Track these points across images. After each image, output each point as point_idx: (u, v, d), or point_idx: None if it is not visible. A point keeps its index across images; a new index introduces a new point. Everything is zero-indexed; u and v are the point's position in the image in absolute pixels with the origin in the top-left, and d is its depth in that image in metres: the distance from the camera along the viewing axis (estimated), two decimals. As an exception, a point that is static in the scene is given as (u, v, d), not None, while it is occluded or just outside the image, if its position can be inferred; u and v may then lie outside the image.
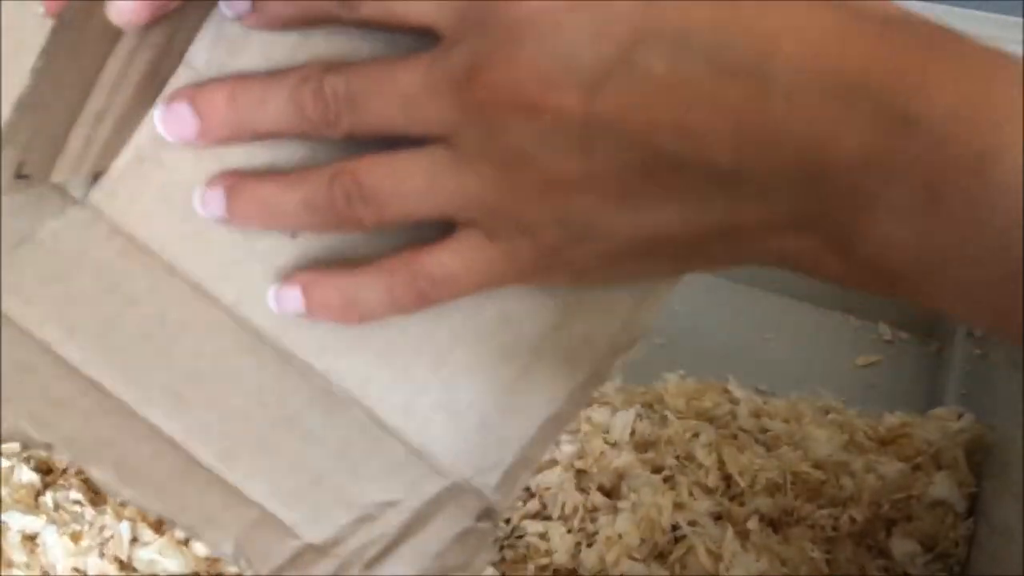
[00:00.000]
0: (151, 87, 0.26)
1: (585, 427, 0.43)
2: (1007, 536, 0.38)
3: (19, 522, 0.38)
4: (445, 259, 0.26)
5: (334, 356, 0.28)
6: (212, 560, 0.39)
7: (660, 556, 0.39)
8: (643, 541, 0.39)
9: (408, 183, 0.25)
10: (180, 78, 0.27)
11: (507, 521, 0.41)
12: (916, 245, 0.22)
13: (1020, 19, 0.49)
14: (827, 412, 0.48)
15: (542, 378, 0.28)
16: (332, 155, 0.26)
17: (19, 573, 0.37)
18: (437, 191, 0.25)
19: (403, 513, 0.28)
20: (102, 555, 0.38)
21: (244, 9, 0.26)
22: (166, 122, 0.26)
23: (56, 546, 0.38)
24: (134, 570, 0.38)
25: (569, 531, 0.40)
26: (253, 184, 0.26)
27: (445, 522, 0.28)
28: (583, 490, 0.42)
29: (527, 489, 0.42)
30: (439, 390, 0.28)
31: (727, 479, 0.43)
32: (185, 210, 0.27)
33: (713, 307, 0.65)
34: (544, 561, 0.39)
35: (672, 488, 0.41)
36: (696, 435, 0.45)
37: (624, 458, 0.42)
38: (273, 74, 0.26)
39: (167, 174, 0.27)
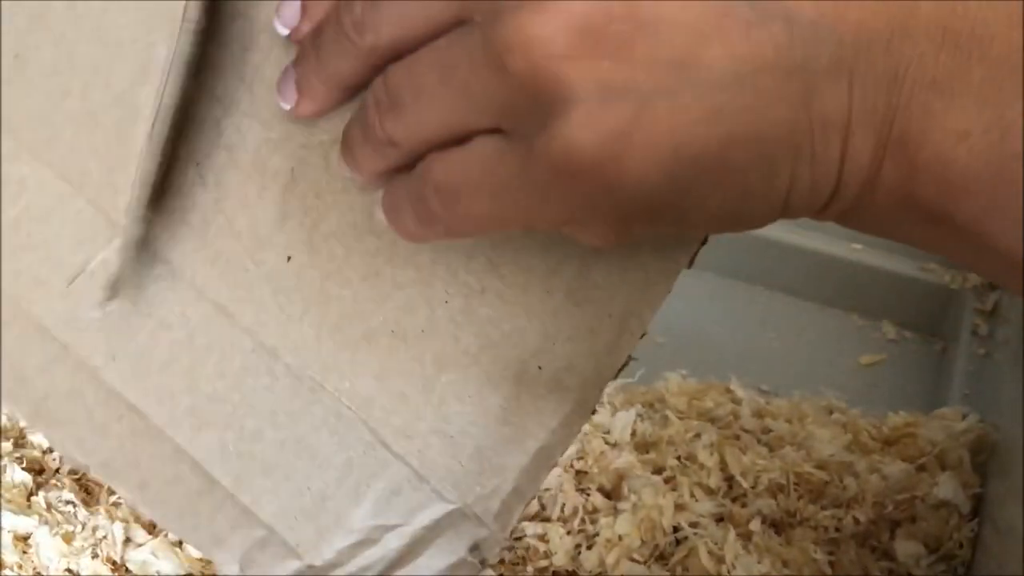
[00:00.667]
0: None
1: (585, 427, 0.43)
2: (1012, 537, 0.37)
3: (11, 522, 0.38)
4: (456, 161, 0.24)
5: (339, 377, 0.29)
6: (206, 561, 0.38)
7: (661, 558, 0.39)
8: (644, 543, 0.39)
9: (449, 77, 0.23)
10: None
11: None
12: (991, 142, 0.21)
13: None
14: (830, 412, 0.48)
15: (529, 408, 0.28)
16: None
17: (11, 574, 0.37)
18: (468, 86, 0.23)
19: (403, 538, 0.28)
20: (95, 556, 0.38)
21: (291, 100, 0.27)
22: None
23: (49, 547, 0.37)
24: (127, 571, 0.38)
25: (569, 532, 0.40)
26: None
27: (440, 550, 0.29)
28: (583, 491, 0.41)
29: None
30: (433, 415, 0.29)
31: (729, 480, 0.43)
32: (205, 233, 0.28)
33: (715, 306, 0.65)
34: (543, 563, 0.39)
35: (673, 489, 0.41)
36: (698, 435, 0.44)
37: (625, 459, 0.42)
38: None
39: (183, 200, 0.28)
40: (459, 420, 0.28)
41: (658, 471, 0.42)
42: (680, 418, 0.46)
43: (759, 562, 0.38)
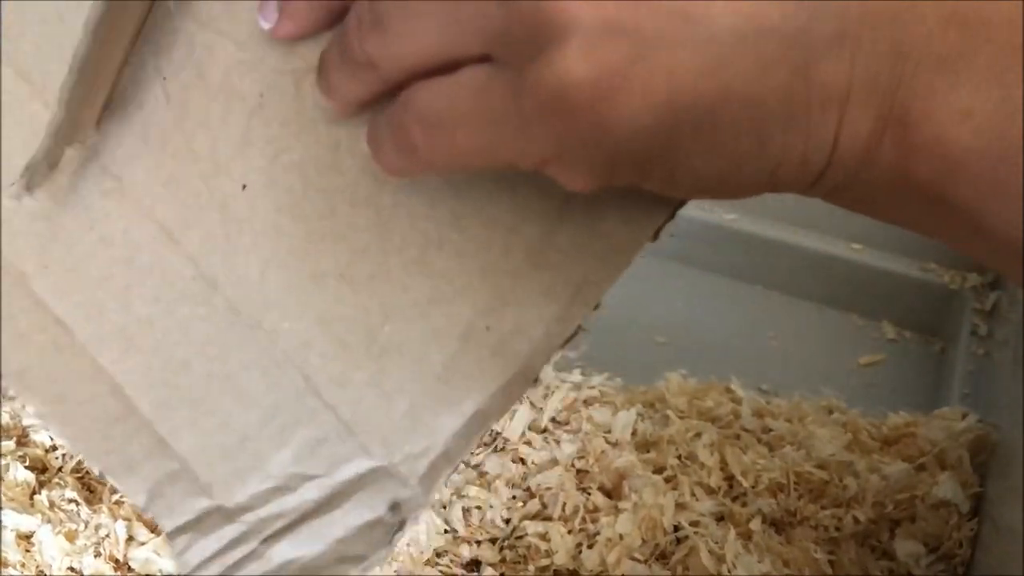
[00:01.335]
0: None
1: (586, 427, 0.43)
2: (1011, 536, 0.37)
3: (14, 521, 0.38)
4: (442, 89, 0.23)
5: (280, 315, 0.27)
6: (209, 560, 0.38)
7: (662, 557, 0.39)
8: (644, 542, 0.39)
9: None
10: None
11: (507, 521, 0.40)
12: (995, 123, 0.21)
13: None
14: (830, 412, 0.48)
15: (471, 368, 0.27)
16: None
17: (14, 572, 0.37)
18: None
19: (321, 490, 0.27)
20: (98, 554, 0.38)
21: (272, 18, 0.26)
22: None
23: (51, 545, 0.37)
24: (130, 569, 0.38)
25: (570, 531, 0.40)
26: None
27: (358, 506, 0.28)
28: (584, 490, 0.41)
29: (527, 489, 0.41)
30: (371, 367, 0.27)
31: (729, 479, 0.43)
32: (162, 152, 0.27)
33: (715, 306, 0.65)
34: (545, 562, 0.39)
35: (674, 488, 0.41)
36: (698, 435, 0.44)
37: (625, 458, 0.42)
38: None
39: (145, 115, 0.27)
40: (398, 375, 0.27)
41: (659, 470, 0.42)
42: (680, 418, 0.46)
43: (759, 561, 0.38)
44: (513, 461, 0.42)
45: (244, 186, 0.27)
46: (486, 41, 0.22)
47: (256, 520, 0.27)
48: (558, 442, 0.42)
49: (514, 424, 0.42)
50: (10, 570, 0.37)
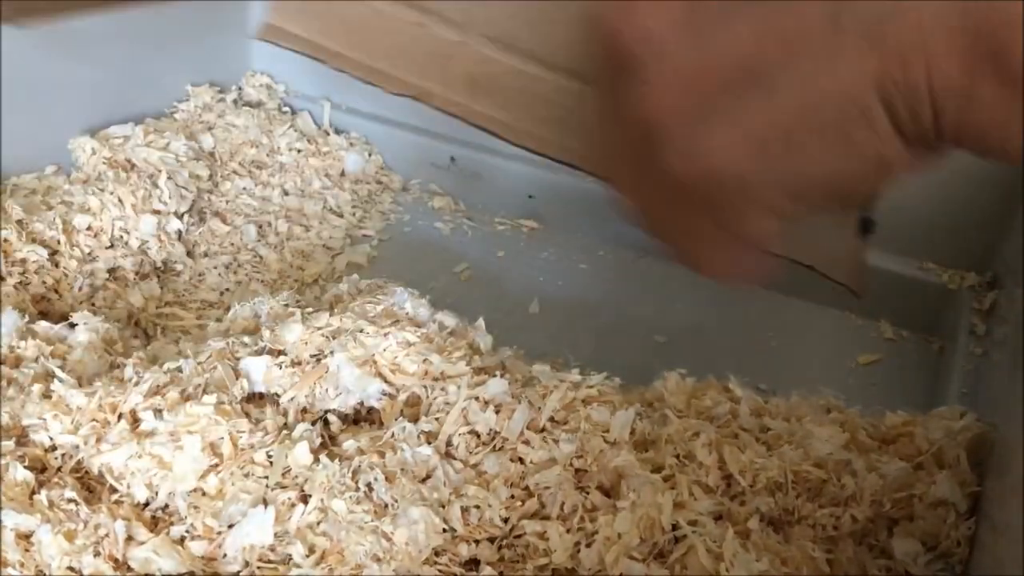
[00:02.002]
0: None
1: (584, 426, 0.43)
2: (1009, 536, 0.37)
3: (13, 521, 0.38)
4: None
5: None
6: (207, 559, 0.38)
7: (660, 556, 0.39)
8: (643, 541, 0.39)
9: None
10: None
11: (505, 520, 0.40)
12: None
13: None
14: (828, 411, 0.48)
15: None
16: None
17: (13, 572, 0.37)
18: None
19: None
20: (97, 554, 0.38)
21: None
22: None
23: (51, 545, 0.37)
24: (129, 569, 0.38)
25: (568, 531, 0.40)
26: None
27: None
28: (582, 489, 0.41)
29: (526, 488, 0.41)
30: None
31: (728, 478, 0.43)
32: None
33: (713, 305, 0.65)
34: (543, 561, 0.39)
35: (672, 487, 0.41)
36: (696, 434, 0.44)
37: (624, 457, 0.42)
38: None
39: None
40: None
41: (657, 469, 0.42)
42: (679, 417, 0.46)
43: (757, 560, 0.38)
44: (511, 460, 0.42)
45: None
46: None
47: None
48: (556, 441, 0.42)
49: (512, 423, 0.42)
50: (9, 570, 0.37)
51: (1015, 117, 0.25)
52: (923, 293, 0.63)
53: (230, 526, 0.39)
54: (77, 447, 0.42)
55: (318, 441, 0.43)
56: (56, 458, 0.42)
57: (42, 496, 0.39)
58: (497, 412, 0.43)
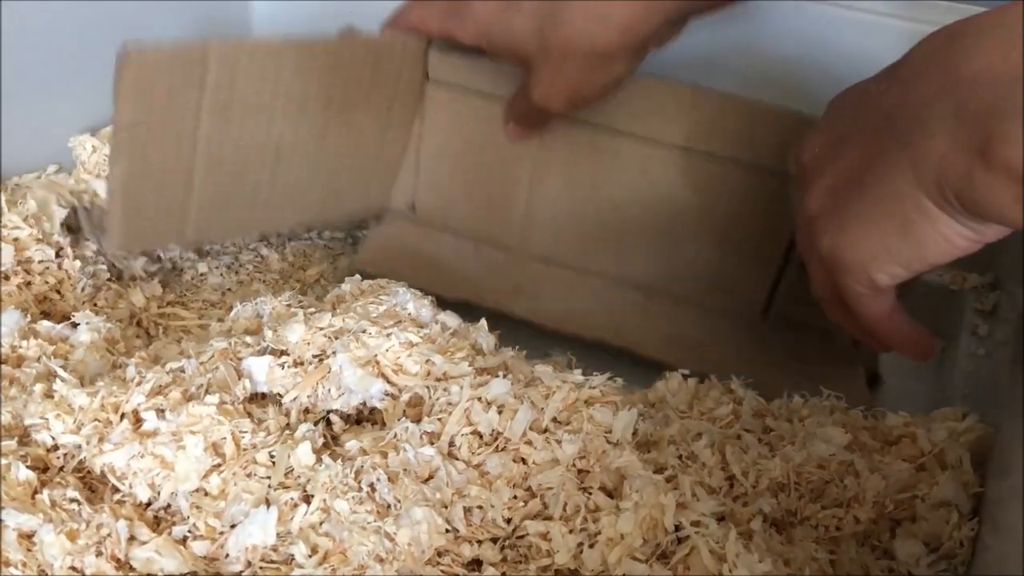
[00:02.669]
0: None
1: (587, 426, 0.43)
2: (1012, 537, 0.37)
3: (15, 520, 0.38)
4: None
5: None
6: (210, 559, 0.38)
7: (663, 557, 0.39)
8: (645, 541, 0.39)
9: None
10: None
11: (508, 521, 0.40)
12: None
13: None
14: (831, 412, 0.48)
15: None
16: None
17: (16, 572, 0.37)
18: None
19: None
20: (99, 554, 0.38)
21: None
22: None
23: (53, 545, 0.37)
24: (131, 569, 0.38)
25: (571, 531, 0.40)
26: None
27: None
28: (585, 490, 0.41)
29: (528, 489, 0.41)
30: None
31: (730, 479, 0.43)
32: None
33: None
34: (546, 561, 0.39)
35: (675, 488, 0.41)
36: (699, 435, 0.44)
37: (626, 458, 0.42)
38: None
39: None
40: None
41: (660, 470, 0.42)
42: (681, 418, 0.46)
43: (760, 561, 0.38)
44: (514, 461, 0.42)
45: None
46: None
47: None
48: (559, 442, 0.42)
49: (515, 424, 0.42)
50: (12, 569, 0.37)
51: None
52: (925, 294, 0.63)
53: (232, 526, 0.39)
54: (79, 447, 0.42)
55: (320, 441, 0.42)
56: (58, 458, 0.42)
57: (44, 496, 0.39)
58: (500, 413, 0.43)
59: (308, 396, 0.44)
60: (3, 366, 0.47)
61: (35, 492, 0.40)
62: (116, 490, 0.41)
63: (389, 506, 0.39)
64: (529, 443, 0.42)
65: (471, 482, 0.41)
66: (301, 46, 0.53)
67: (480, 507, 0.40)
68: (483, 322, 0.50)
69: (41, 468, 0.41)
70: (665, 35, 0.54)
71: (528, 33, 0.52)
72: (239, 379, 0.44)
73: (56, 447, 0.42)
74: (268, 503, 0.39)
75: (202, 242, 0.47)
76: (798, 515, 0.42)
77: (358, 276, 0.54)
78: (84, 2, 0.69)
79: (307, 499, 0.40)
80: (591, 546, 0.39)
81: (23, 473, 0.40)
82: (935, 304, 0.63)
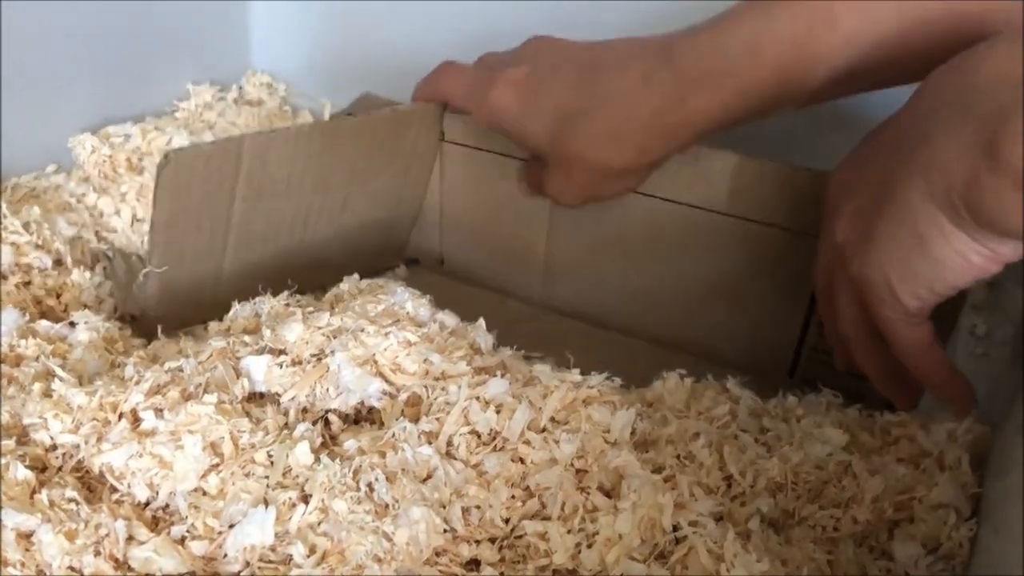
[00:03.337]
0: None
1: (585, 426, 0.43)
2: (1010, 537, 0.37)
3: (14, 520, 0.38)
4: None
5: None
6: (208, 559, 0.38)
7: (661, 556, 0.39)
8: (643, 541, 0.39)
9: None
10: None
11: (506, 521, 0.40)
12: None
13: None
14: (827, 410, 0.48)
15: None
16: None
17: (14, 572, 0.37)
18: None
19: None
20: (98, 553, 0.38)
21: None
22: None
23: (51, 544, 0.37)
24: (130, 569, 0.38)
25: (569, 531, 0.40)
26: None
27: None
28: (583, 490, 0.41)
29: (526, 489, 0.41)
30: None
31: (728, 479, 0.43)
32: None
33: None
34: (543, 561, 0.39)
35: (673, 488, 0.41)
36: (696, 435, 0.44)
37: (624, 457, 0.42)
38: None
39: None
40: None
41: (657, 470, 0.42)
42: (678, 418, 0.46)
43: (758, 561, 0.38)
44: (512, 460, 0.42)
45: None
46: None
47: None
48: (557, 441, 0.42)
49: (513, 423, 0.42)
50: (10, 569, 0.37)
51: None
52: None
53: (231, 526, 0.39)
54: (78, 446, 0.42)
55: (319, 441, 0.43)
56: (57, 457, 0.42)
57: (43, 495, 0.39)
58: (498, 412, 0.43)
59: (306, 395, 0.44)
60: (2, 365, 0.47)
61: (33, 492, 0.40)
62: (114, 490, 0.41)
63: (387, 506, 0.39)
64: (527, 443, 0.42)
65: (469, 482, 0.41)
66: (326, 128, 0.55)
67: (478, 507, 0.40)
68: (481, 321, 0.50)
69: (39, 468, 0.41)
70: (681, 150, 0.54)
71: (544, 138, 0.53)
72: (237, 378, 0.44)
73: (54, 446, 0.42)
74: (266, 503, 0.39)
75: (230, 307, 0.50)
76: (796, 515, 0.42)
77: (356, 275, 0.54)
78: (84, 2, 0.69)
79: (305, 499, 0.40)
80: (589, 546, 0.39)
81: (21, 472, 0.40)
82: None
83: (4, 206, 0.59)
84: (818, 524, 0.41)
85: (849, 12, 0.43)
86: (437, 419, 0.43)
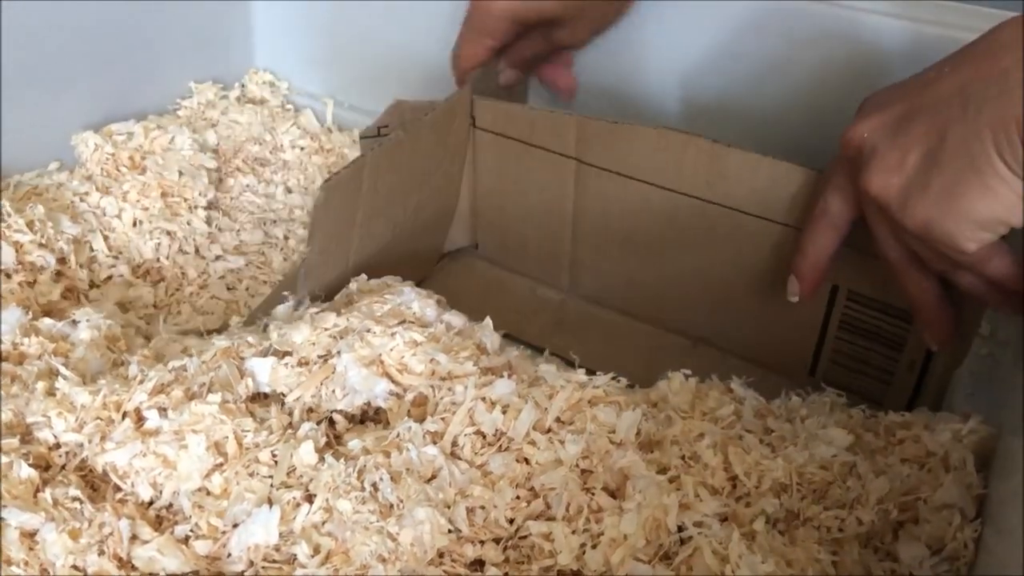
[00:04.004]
0: None
1: (590, 426, 0.43)
2: (1013, 539, 0.37)
3: (18, 519, 0.38)
4: None
5: None
6: (212, 558, 0.38)
7: (666, 557, 0.39)
8: (648, 542, 0.39)
9: None
10: None
11: (511, 521, 0.40)
12: None
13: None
14: (830, 410, 0.48)
15: None
16: None
17: (18, 571, 0.37)
18: None
19: None
20: (101, 553, 0.37)
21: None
22: None
23: (55, 543, 0.37)
24: (133, 568, 0.38)
25: (574, 532, 0.40)
26: None
27: None
28: (588, 490, 0.41)
29: (531, 489, 0.41)
30: None
31: (733, 480, 0.43)
32: None
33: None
34: (548, 562, 0.39)
35: (678, 489, 0.41)
36: (701, 435, 0.44)
37: (629, 458, 0.42)
38: None
39: None
40: None
41: (662, 471, 0.42)
42: (683, 418, 0.46)
43: (763, 561, 0.38)
44: (517, 461, 0.42)
45: None
46: None
47: None
48: (562, 442, 0.42)
49: (518, 424, 0.42)
50: (14, 568, 0.37)
51: None
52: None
53: (235, 525, 0.39)
54: (81, 445, 0.42)
55: (323, 440, 0.42)
56: (60, 456, 0.42)
57: (46, 494, 0.39)
58: (503, 412, 0.43)
59: (312, 396, 0.44)
60: (5, 364, 0.47)
61: (37, 491, 0.40)
62: (118, 489, 0.41)
63: (392, 506, 0.39)
64: (532, 443, 0.42)
65: (474, 482, 0.41)
66: (407, 138, 0.58)
67: (483, 507, 0.40)
68: (488, 321, 0.50)
69: (43, 466, 0.41)
70: None
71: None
72: (241, 378, 0.44)
73: (58, 445, 0.42)
74: (270, 502, 0.39)
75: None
76: (801, 516, 0.42)
77: (363, 275, 0.54)
78: (84, 2, 0.69)
79: (309, 499, 0.39)
80: (594, 547, 0.39)
81: (25, 471, 0.40)
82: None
83: (7, 204, 0.59)
84: (823, 525, 0.41)
85: None
86: (442, 419, 0.43)
